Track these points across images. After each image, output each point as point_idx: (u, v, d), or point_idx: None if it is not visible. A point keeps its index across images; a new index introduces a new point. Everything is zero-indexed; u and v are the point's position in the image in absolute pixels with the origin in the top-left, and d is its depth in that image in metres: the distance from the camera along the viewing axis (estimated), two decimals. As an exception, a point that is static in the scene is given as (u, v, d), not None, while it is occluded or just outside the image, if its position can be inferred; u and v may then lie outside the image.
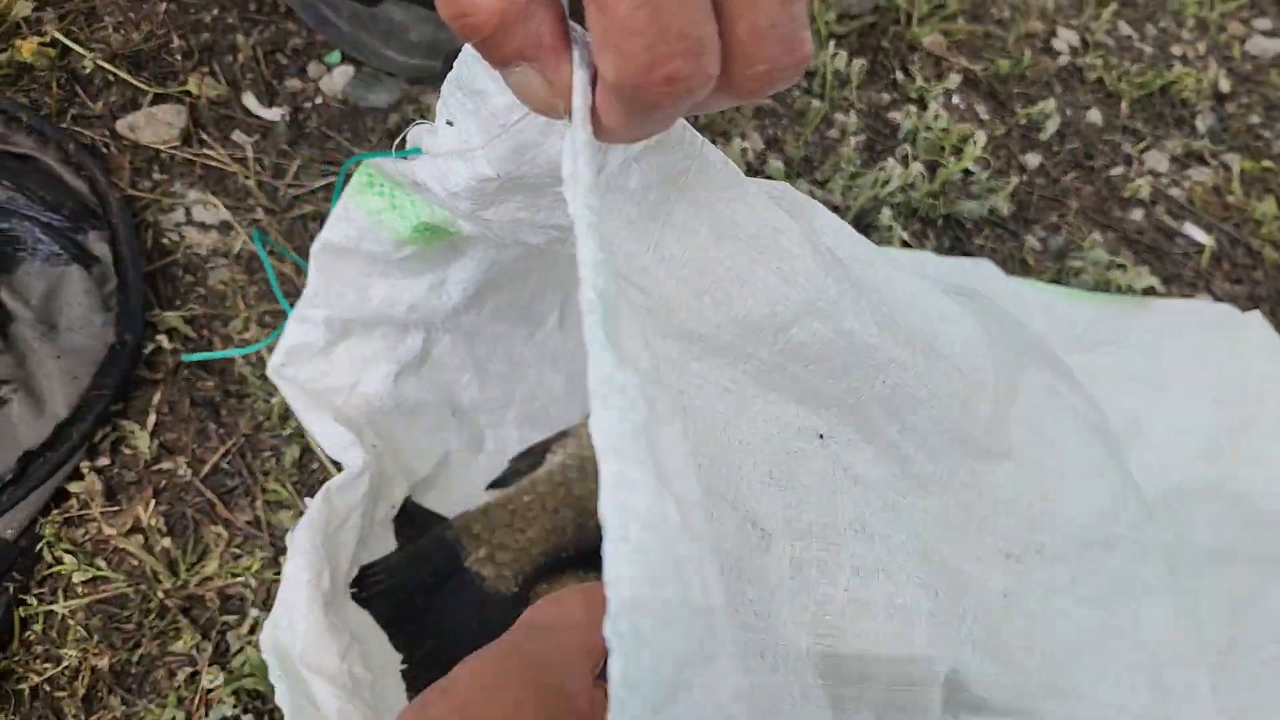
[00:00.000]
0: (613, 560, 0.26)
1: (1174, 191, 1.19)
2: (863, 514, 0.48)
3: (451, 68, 0.42)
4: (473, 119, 0.43)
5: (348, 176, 0.61)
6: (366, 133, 0.96)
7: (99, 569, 0.68)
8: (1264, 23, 1.45)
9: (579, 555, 0.71)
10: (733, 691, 0.28)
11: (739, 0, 0.28)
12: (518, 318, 0.72)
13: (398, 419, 0.68)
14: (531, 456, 0.75)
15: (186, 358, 0.76)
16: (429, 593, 0.67)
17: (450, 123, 0.45)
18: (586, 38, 0.33)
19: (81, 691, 0.64)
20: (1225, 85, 1.34)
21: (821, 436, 0.48)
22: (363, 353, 0.65)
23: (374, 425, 0.67)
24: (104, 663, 0.64)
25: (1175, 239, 1.15)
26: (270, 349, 0.80)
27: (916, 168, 1.00)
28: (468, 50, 0.40)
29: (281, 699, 0.55)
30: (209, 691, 0.64)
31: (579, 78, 0.32)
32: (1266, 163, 1.27)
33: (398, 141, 0.53)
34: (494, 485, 0.74)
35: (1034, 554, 0.54)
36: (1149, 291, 1.06)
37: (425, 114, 0.97)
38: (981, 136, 1.03)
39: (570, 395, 0.78)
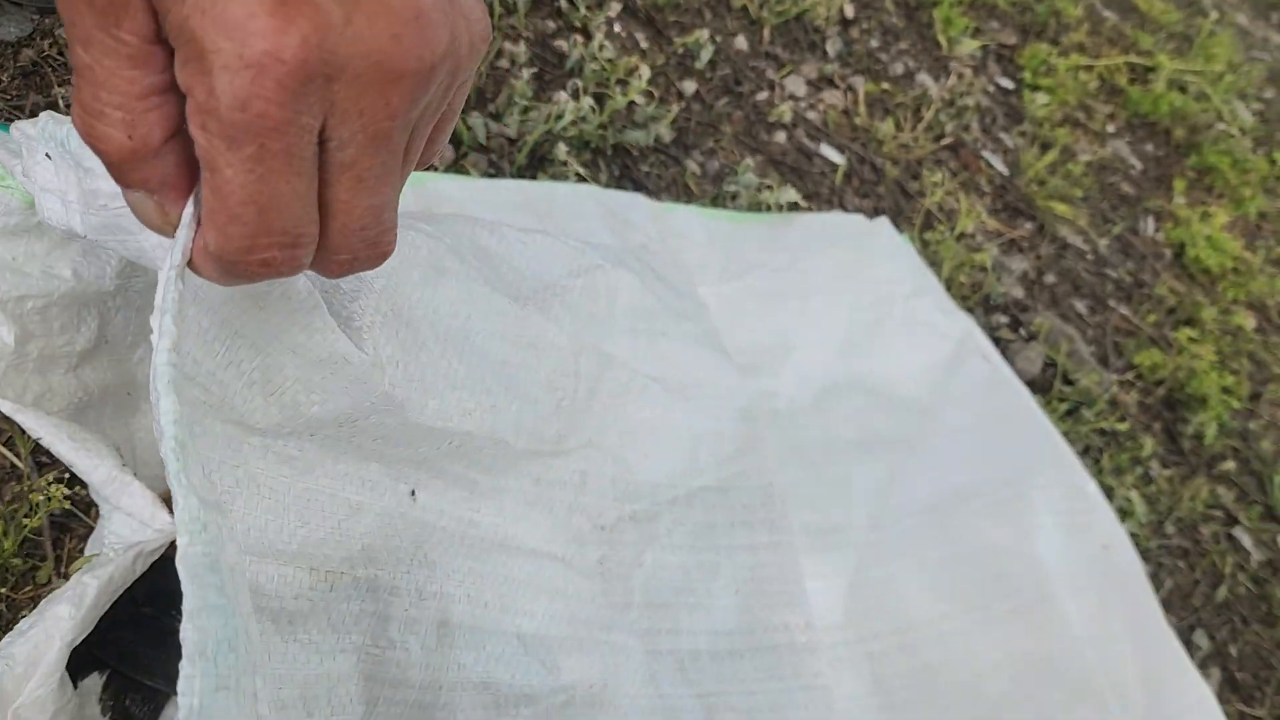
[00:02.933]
0: (187, 674, 0.31)
1: (811, 115, 1.32)
2: (421, 546, 0.54)
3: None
4: (72, 173, 0.44)
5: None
6: (-8, 69, 0.86)
7: None
8: (880, -48, 1.61)
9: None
10: None
11: (338, 205, 0.32)
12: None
13: (91, 414, 0.65)
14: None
15: None
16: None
17: (49, 156, 0.45)
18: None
19: None
20: (850, 11, 1.48)
21: (413, 493, 0.54)
22: (44, 348, 0.61)
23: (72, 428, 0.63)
24: None
25: (814, 159, 1.27)
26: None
27: (587, 101, 1.04)
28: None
29: None
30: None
31: (188, 216, 0.33)
32: (885, 85, 1.43)
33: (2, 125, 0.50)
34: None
35: (627, 520, 0.62)
36: (793, 208, 1.17)
37: (63, 50, 0.89)
38: (646, 70, 1.09)
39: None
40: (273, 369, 0.45)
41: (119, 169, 0.31)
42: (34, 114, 0.85)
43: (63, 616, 0.54)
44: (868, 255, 1.13)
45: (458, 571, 0.56)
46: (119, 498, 0.59)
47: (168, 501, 0.67)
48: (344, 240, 0.33)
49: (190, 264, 0.33)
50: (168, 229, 0.33)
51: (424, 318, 0.54)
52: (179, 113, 0.30)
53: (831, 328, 1.05)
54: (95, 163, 0.40)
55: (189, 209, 0.32)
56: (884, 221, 1.16)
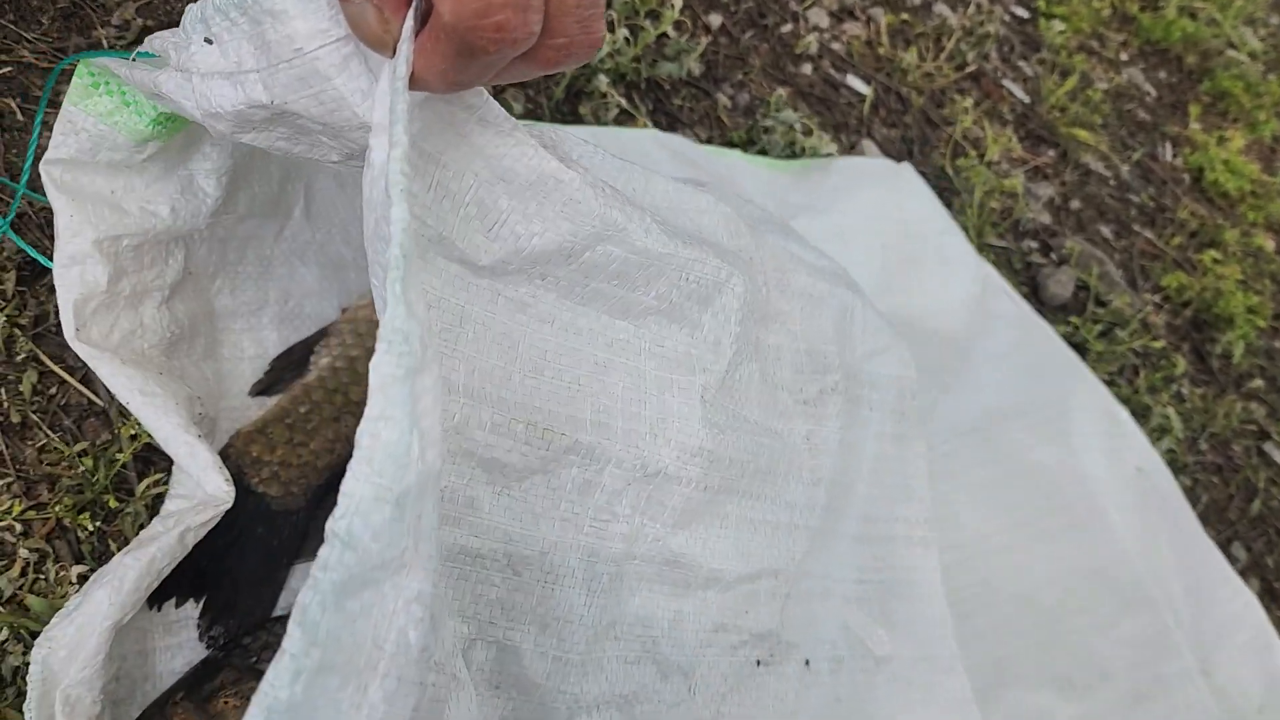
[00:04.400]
0: (353, 475, 0.32)
1: (835, 46, 1.31)
2: (665, 419, 0.53)
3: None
4: (249, 41, 0.42)
5: (58, 81, 0.56)
6: (34, 14, 0.85)
7: None
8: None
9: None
10: (414, 594, 0.35)
11: None
12: (267, 212, 0.70)
13: (181, 346, 0.65)
14: (293, 357, 0.73)
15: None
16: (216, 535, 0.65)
17: (209, 40, 0.43)
18: None
19: None
20: (866, -58, 1.47)
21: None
22: (136, 284, 0.60)
23: (163, 367, 0.62)
24: None
25: (840, 90, 1.27)
26: (7, 296, 0.72)
27: (622, 33, 1.03)
28: None
29: None
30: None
31: (409, 26, 0.33)
32: (904, 15, 1.42)
33: (137, 50, 0.49)
34: (260, 392, 0.72)
35: (829, 393, 0.62)
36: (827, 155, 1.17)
37: (102, -10, 0.87)
38: (677, 0, 1.08)
39: (324, 289, 0.76)
40: (486, 200, 0.44)
41: None
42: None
43: (102, 601, 0.54)
44: (896, 197, 1.13)
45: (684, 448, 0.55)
46: (179, 455, 0.59)
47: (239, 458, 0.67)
48: (561, 21, 0.32)
49: (412, 81, 0.33)
50: (387, 40, 0.33)
51: (606, 171, 0.53)
52: None
53: (869, 266, 1.06)
54: (288, 4, 0.39)
55: (409, 22, 0.32)
56: (908, 166, 1.16)
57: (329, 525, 0.32)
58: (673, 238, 0.51)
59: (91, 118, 0.56)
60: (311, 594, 0.32)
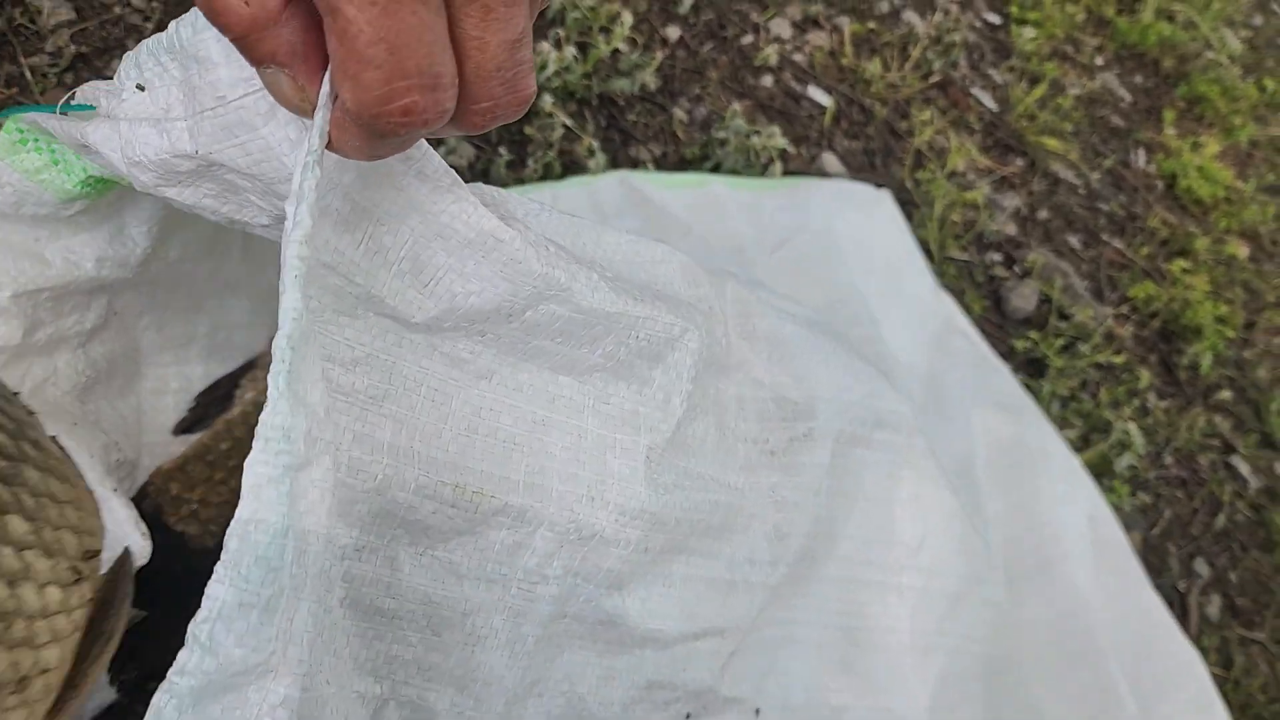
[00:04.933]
0: (217, 579, 0.32)
1: (797, 57, 1.30)
2: (604, 480, 0.52)
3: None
4: (178, 87, 0.41)
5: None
6: (-38, 41, 0.84)
7: None
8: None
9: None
10: (280, 699, 0.35)
11: (470, 43, 0.30)
12: (201, 257, 0.69)
13: (97, 388, 0.64)
14: (218, 392, 0.73)
15: None
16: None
17: (141, 87, 0.42)
18: None
19: None
20: (833, -50, 1.46)
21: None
22: (52, 333, 0.59)
23: (78, 415, 0.62)
24: None
25: (801, 102, 1.26)
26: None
27: (570, 51, 1.02)
28: (192, 14, 0.39)
29: None
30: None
31: (325, 96, 0.32)
32: (871, 24, 1.41)
33: (64, 100, 0.49)
34: (183, 430, 0.72)
35: (804, 439, 0.61)
36: (781, 153, 1.16)
37: (35, 17, 0.87)
38: (628, 16, 1.07)
39: (254, 320, 0.76)
40: (422, 256, 0.42)
41: (244, 43, 0.30)
42: (8, 85, 0.84)
43: None
44: (874, 224, 1.12)
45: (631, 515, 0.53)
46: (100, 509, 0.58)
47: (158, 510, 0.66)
48: (482, 85, 0.31)
49: (330, 145, 0.32)
50: (306, 108, 0.32)
51: (553, 229, 0.51)
52: None
53: (864, 289, 1.04)
54: (211, 50, 0.38)
55: (325, 87, 0.31)
56: (887, 194, 1.15)
57: (190, 628, 0.32)
58: (622, 294, 0.50)
59: (17, 174, 0.55)
60: (167, 698, 0.31)
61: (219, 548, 0.66)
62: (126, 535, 0.59)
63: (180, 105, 0.41)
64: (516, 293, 0.46)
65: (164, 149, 0.42)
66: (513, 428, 0.51)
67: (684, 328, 0.54)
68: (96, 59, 0.89)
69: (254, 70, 0.38)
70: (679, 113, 1.15)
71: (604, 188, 0.95)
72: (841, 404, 0.68)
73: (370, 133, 0.31)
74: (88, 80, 0.67)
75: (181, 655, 0.32)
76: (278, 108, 0.39)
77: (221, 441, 0.69)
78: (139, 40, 0.90)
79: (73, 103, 0.49)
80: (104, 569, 0.58)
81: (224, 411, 0.71)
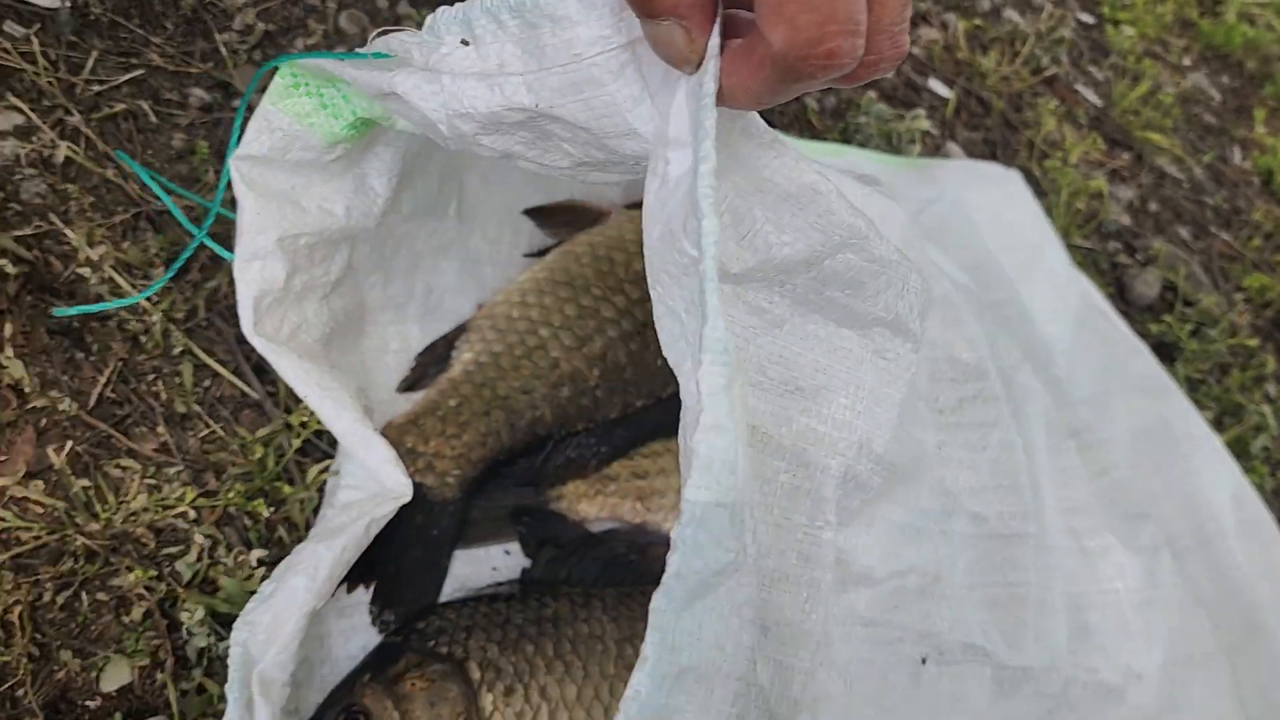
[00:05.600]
0: (693, 484, 0.34)
1: (915, 50, 1.32)
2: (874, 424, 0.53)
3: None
4: (514, 44, 0.42)
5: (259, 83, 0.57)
6: (158, 19, 0.87)
7: (3, 521, 0.61)
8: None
9: (514, 455, 0.72)
10: (747, 596, 0.37)
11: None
12: (426, 211, 0.71)
13: (335, 341, 0.65)
14: (436, 352, 0.74)
15: (59, 312, 0.66)
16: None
17: (466, 42, 0.44)
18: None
19: (24, 651, 0.59)
20: (937, -51, 1.48)
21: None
22: (306, 281, 0.61)
23: (330, 361, 0.63)
24: (45, 615, 0.59)
25: (922, 94, 1.28)
26: (159, 291, 0.73)
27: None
28: None
29: (229, 714, 0.53)
30: (173, 628, 0.61)
31: (714, 46, 0.33)
32: (976, 20, 1.43)
33: (370, 43, 0.50)
34: (406, 388, 0.73)
35: (968, 402, 0.62)
36: (925, 135, 1.18)
37: (229, -5, 0.89)
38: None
39: (462, 284, 0.77)
40: (741, 209, 0.43)
41: None
42: (203, 60, 0.86)
43: (299, 588, 0.55)
44: (1006, 200, 1.13)
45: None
46: (357, 449, 0.60)
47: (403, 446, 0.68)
48: (876, 38, 0.32)
49: (719, 96, 0.34)
50: (693, 58, 0.33)
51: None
52: None
53: (1004, 260, 1.05)
54: (571, 9, 0.39)
55: (715, 38, 0.33)
56: (1016, 173, 1.16)
57: (675, 533, 0.34)
58: (892, 248, 0.52)
59: (288, 117, 0.57)
60: (665, 600, 0.34)
61: (457, 499, 0.68)
62: (389, 474, 0.61)
63: (519, 61, 0.42)
64: (826, 241, 0.47)
65: (496, 102, 0.43)
66: (796, 374, 0.53)
67: (924, 283, 0.56)
68: (281, 37, 0.91)
69: (610, 29, 0.40)
70: (810, 101, 1.17)
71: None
72: (1001, 369, 0.69)
73: (787, 75, 0.32)
74: (273, 57, 0.69)
75: (673, 559, 0.33)
76: (626, 66, 0.40)
77: (449, 398, 0.71)
78: (318, 20, 0.92)
79: (369, 53, 0.50)
80: (378, 506, 0.59)
81: (444, 370, 0.73)
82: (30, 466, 0.64)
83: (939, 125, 1.25)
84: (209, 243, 0.59)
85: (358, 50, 0.51)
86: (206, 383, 0.71)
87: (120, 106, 0.80)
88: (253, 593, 0.56)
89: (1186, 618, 0.77)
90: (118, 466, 0.66)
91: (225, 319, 0.74)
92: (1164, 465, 0.97)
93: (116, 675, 0.60)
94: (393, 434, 0.68)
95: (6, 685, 0.58)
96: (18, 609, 0.59)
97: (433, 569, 0.66)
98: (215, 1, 0.90)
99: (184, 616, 0.59)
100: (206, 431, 0.69)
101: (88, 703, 0.60)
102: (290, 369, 0.58)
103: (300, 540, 0.64)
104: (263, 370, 0.73)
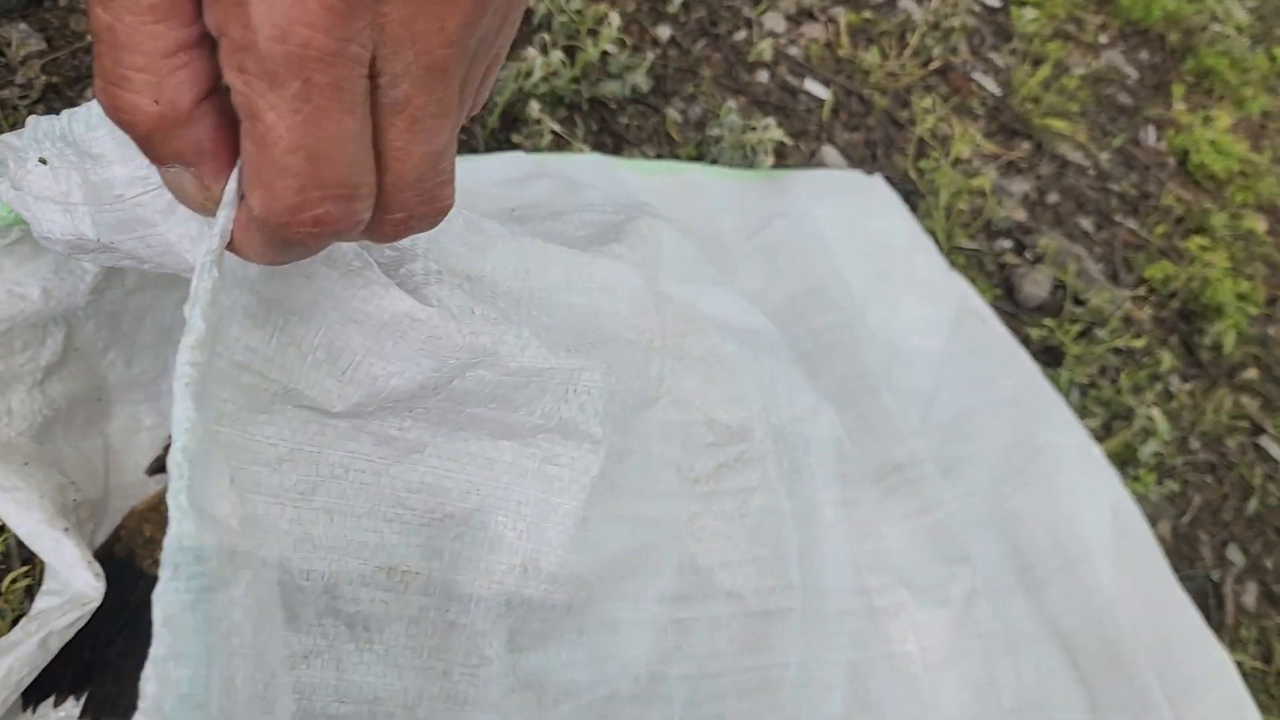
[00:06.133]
0: None
1: (792, 50, 1.27)
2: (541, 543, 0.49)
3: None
4: (76, 172, 0.39)
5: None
6: (-68, 75, 0.83)
7: None
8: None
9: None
10: None
11: (391, 153, 0.28)
12: (164, 282, 0.66)
13: (55, 428, 0.61)
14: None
15: None
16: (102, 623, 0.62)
17: (44, 161, 0.41)
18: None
19: None
20: (824, -60, 1.43)
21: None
22: (3, 371, 0.57)
23: (31, 455, 0.59)
24: None
25: (798, 96, 1.23)
26: None
27: (557, 55, 1.00)
28: (85, 109, 0.37)
29: None
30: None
31: (230, 193, 0.30)
32: (867, 14, 1.38)
33: None
34: (157, 470, 0.69)
35: (727, 468, 0.58)
36: (778, 146, 1.13)
37: (4, 49, 0.85)
38: (616, 17, 1.05)
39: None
40: (337, 343, 0.41)
41: (149, 142, 0.28)
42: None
43: None
44: (870, 208, 1.09)
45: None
46: (45, 552, 0.56)
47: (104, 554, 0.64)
48: (399, 195, 0.29)
49: (231, 245, 0.30)
50: (209, 207, 0.29)
51: (483, 277, 0.48)
52: (210, 70, 0.27)
53: (854, 275, 1.01)
54: (106, 148, 0.36)
55: (232, 184, 0.29)
56: (879, 179, 1.12)
57: None
58: (554, 348, 0.47)
59: None
60: None
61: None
62: (78, 576, 0.57)
63: (80, 192, 0.40)
64: (441, 367, 0.44)
65: (69, 230, 0.41)
66: (443, 500, 0.48)
67: (617, 376, 0.52)
68: (68, 89, 0.87)
69: (146, 169, 0.37)
70: (673, 113, 1.12)
71: (585, 164, 0.92)
72: (777, 426, 0.64)
73: (275, 240, 0.29)
74: (59, 110, 0.65)
75: None
76: (176, 205, 0.37)
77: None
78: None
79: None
80: (61, 615, 0.56)
81: (203, 447, 0.69)
82: None
83: (815, 127, 1.21)
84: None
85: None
86: (-48, 472, 0.68)
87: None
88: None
89: (1018, 661, 0.72)
90: None
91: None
92: (1028, 483, 0.93)
93: None
94: (132, 522, 0.64)
95: None
96: None
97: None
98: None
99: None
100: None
101: None
102: None
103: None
104: None
